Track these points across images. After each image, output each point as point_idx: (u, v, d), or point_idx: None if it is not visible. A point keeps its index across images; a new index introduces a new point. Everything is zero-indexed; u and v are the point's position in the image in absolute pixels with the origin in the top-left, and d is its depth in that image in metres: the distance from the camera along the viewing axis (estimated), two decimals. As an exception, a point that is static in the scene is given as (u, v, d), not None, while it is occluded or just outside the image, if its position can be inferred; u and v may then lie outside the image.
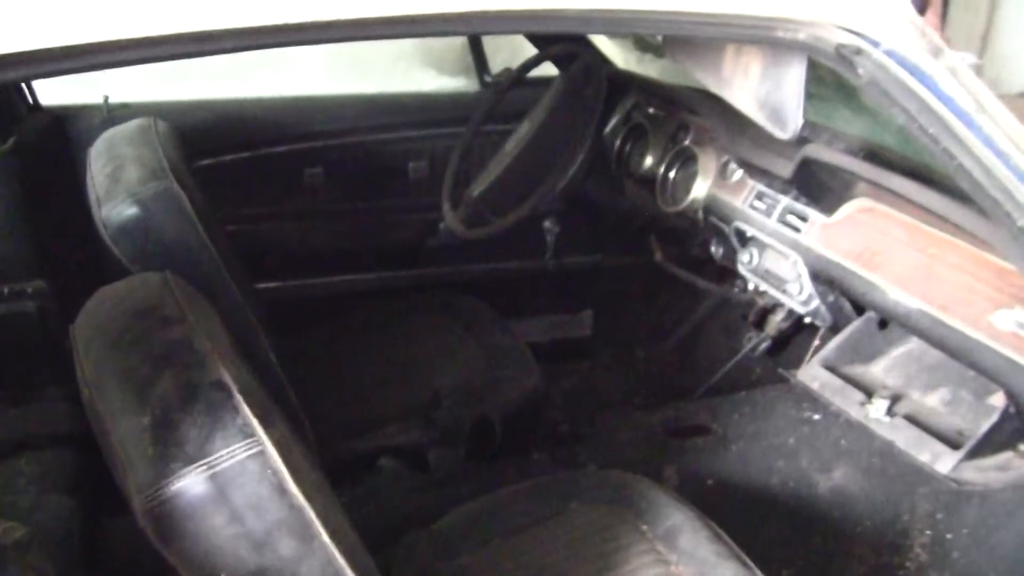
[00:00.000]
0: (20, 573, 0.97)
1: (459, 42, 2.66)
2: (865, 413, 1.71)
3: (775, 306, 2.10)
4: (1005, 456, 1.57)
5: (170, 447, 0.84)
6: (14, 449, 1.64)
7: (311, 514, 0.88)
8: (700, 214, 1.97)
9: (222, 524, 0.84)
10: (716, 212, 1.93)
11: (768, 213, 1.77)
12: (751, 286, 2.01)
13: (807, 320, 1.88)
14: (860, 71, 1.00)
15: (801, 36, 1.00)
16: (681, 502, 1.45)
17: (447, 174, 2.28)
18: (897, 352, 1.80)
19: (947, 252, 1.43)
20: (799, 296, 1.76)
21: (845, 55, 1.00)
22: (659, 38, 1.85)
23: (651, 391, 2.49)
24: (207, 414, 0.86)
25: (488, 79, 2.66)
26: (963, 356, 1.43)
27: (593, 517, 1.44)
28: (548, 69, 2.31)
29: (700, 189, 1.95)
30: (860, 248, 1.57)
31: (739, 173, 1.87)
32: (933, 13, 2.88)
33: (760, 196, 1.81)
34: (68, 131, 2.25)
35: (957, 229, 1.39)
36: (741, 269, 1.91)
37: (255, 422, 0.86)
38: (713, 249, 2.03)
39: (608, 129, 2.30)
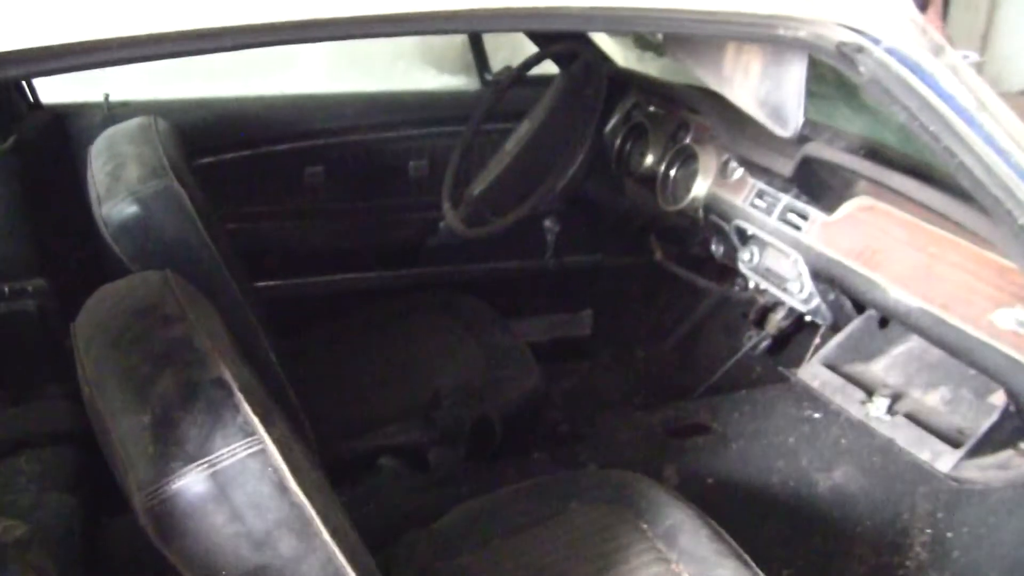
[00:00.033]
0: (21, 571, 0.97)
1: (459, 40, 2.66)
2: (865, 412, 1.71)
3: (776, 304, 2.10)
4: (1005, 454, 1.57)
5: (170, 445, 0.84)
6: (14, 448, 1.64)
7: (311, 513, 0.88)
8: (700, 213, 1.97)
9: (222, 522, 0.84)
10: (717, 211, 1.93)
11: (769, 211, 1.77)
12: (751, 285, 2.01)
13: (808, 319, 1.88)
14: (861, 69, 1.00)
15: (802, 34, 1.00)
16: (681, 501, 1.45)
17: (447, 173, 2.28)
18: (898, 351, 1.80)
19: (948, 250, 1.43)
20: (800, 294, 1.76)
21: (846, 53, 1.00)
22: (659, 36, 1.84)
23: (651, 390, 2.49)
24: (208, 412, 0.85)
25: (488, 77, 2.66)
26: (963, 355, 1.43)
27: (593, 516, 1.44)
28: (548, 68, 2.30)
29: (700, 188, 1.95)
30: (861, 246, 1.57)
31: (740, 171, 1.87)
32: (934, 12, 2.88)
33: (761, 194, 1.81)
34: (69, 129, 2.25)
35: (958, 227, 1.39)
36: (742, 268, 1.91)
37: (256, 420, 0.86)
38: (713, 248, 2.03)
39: (608, 128, 2.30)
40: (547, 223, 2.49)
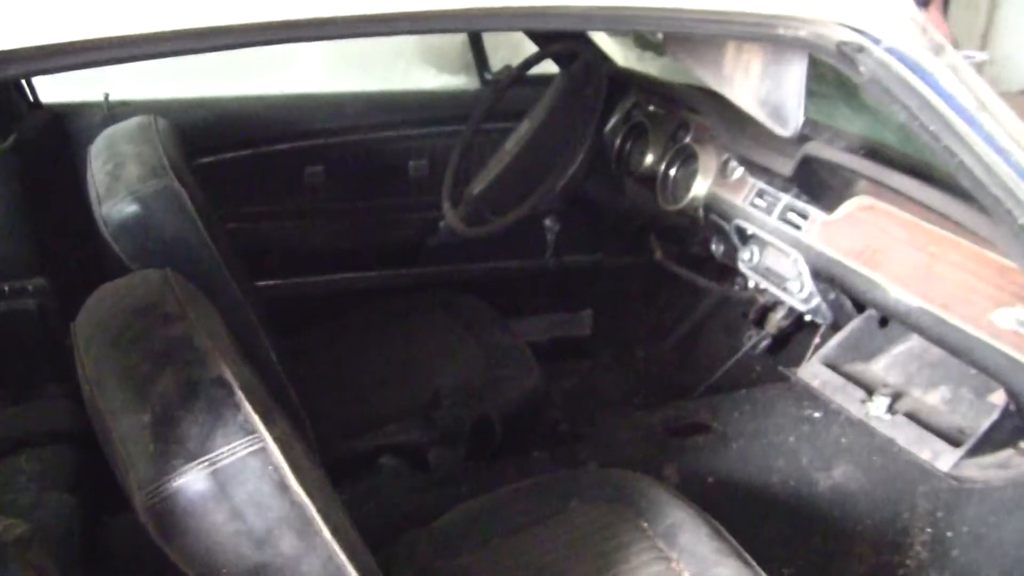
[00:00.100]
0: (21, 570, 0.97)
1: (459, 40, 2.66)
2: (866, 411, 1.71)
3: (776, 304, 2.10)
4: (1005, 454, 1.57)
5: (171, 444, 0.84)
6: (14, 447, 1.63)
7: (312, 511, 0.88)
8: (700, 212, 1.97)
9: (223, 521, 0.84)
10: (717, 210, 1.93)
11: (769, 211, 1.77)
12: (751, 284, 2.01)
13: (808, 318, 1.87)
14: (861, 69, 1.00)
15: (802, 33, 1.00)
16: (681, 500, 1.45)
17: (447, 172, 2.28)
18: (898, 350, 1.80)
19: (948, 250, 1.43)
20: (800, 294, 1.76)
21: (846, 52, 1.00)
22: (659, 36, 1.85)
23: (651, 390, 2.49)
24: (208, 411, 0.85)
25: (488, 77, 2.66)
26: (964, 354, 1.43)
27: (593, 515, 1.44)
28: (548, 67, 2.30)
29: (700, 187, 1.95)
30: (861, 246, 1.57)
31: (740, 171, 1.87)
32: (936, 11, 2.88)
33: (761, 194, 1.81)
34: (68, 129, 2.25)
35: (958, 227, 1.39)
36: (742, 267, 1.91)
37: (256, 419, 0.86)
38: (713, 247, 2.03)
39: (608, 127, 2.30)
40: (547, 222, 2.49)
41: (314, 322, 2.15)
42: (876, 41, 1.01)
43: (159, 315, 0.98)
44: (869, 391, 1.74)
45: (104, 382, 0.93)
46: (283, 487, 0.86)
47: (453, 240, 2.38)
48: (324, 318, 2.18)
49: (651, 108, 2.20)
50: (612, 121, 2.29)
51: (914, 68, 1.01)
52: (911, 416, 1.67)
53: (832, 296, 1.75)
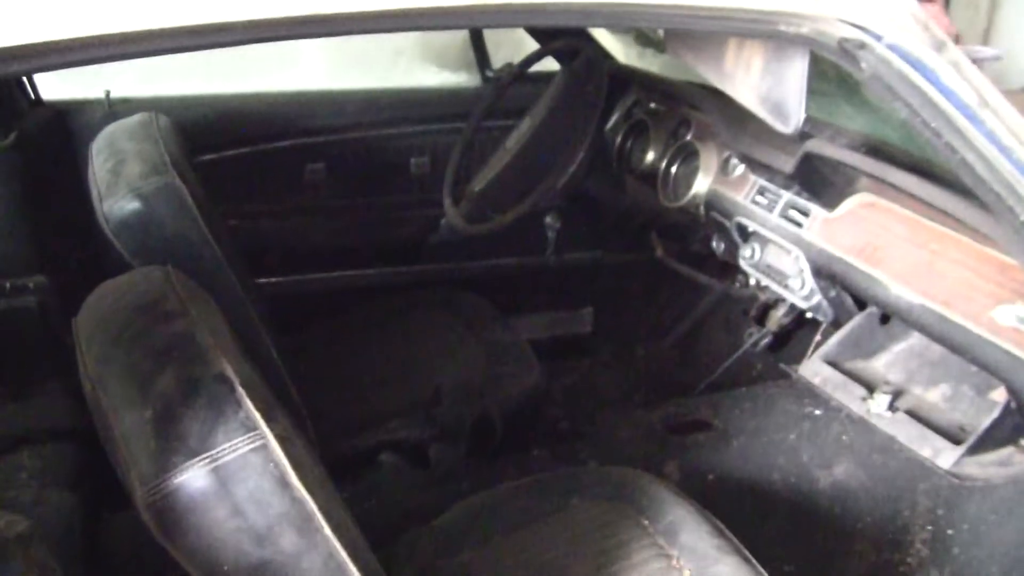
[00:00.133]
0: (22, 566, 0.97)
1: (460, 37, 2.66)
2: (866, 408, 1.71)
3: (776, 301, 2.10)
4: (1006, 451, 1.57)
5: (172, 441, 0.84)
6: (15, 444, 1.64)
7: (313, 508, 0.88)
8: (701, 210, 1.97)
9: (224, 517, 0.84)
10: (718, 207, 1.92)
11: (770, 208, 1.77)
12: (752, 282, 2.01)
13: (808, 315, 1.88)
14: (863, 65, 1.00)
15: (804, 30, 1.00)
16: (682, 498, 1.45)
17: (448, 170, 2.28)
18: (899, 347, 1.80)
19: (949, 247, 1.43)
20: (801, 291, 1.76)
21: (848, 49, 1.00)
22: (660, 32, 1.85)
23: (652, 387, 2.49)
24: (209, 408, 0.85)
25: (489, 74, 2.66)
26: (965, 351, 1.43)
27: (594, 513, 1.44)
28: (549, 64, 2.30)
29: (701, 185, 1.95)
30: (862, 243, 1.57)
31: (741, 168, 1.87)
32: (938, 7, 2.87)
33: (762, 191, 1.81)
34: (70, 126, 2.25)
35: (959, 224, 1.39)
36: (743, 264, 1.91)
37: (257, 416, 0.86)
38: (714, 245, 2.03)
39: (609, 125, 2.29)
40: (548, 220, 2.48)
41: (315, 319, 2.16)
42: (878, 37, 1.01)
43: (160, 312, 0.98)
44: (870, 388, 1.74)
45: (105, 379, 0.93)
46: (284, 484, 0.86)
47: (454, 238, 2.38)
48: (325, 315, 2.18)
49: (652, 105, 2.20)
50: (613, 118, 2.29)
51: (916, 65, 1.01)
52: (912, 414, 1.67)
53: (833, 293, 1.75)
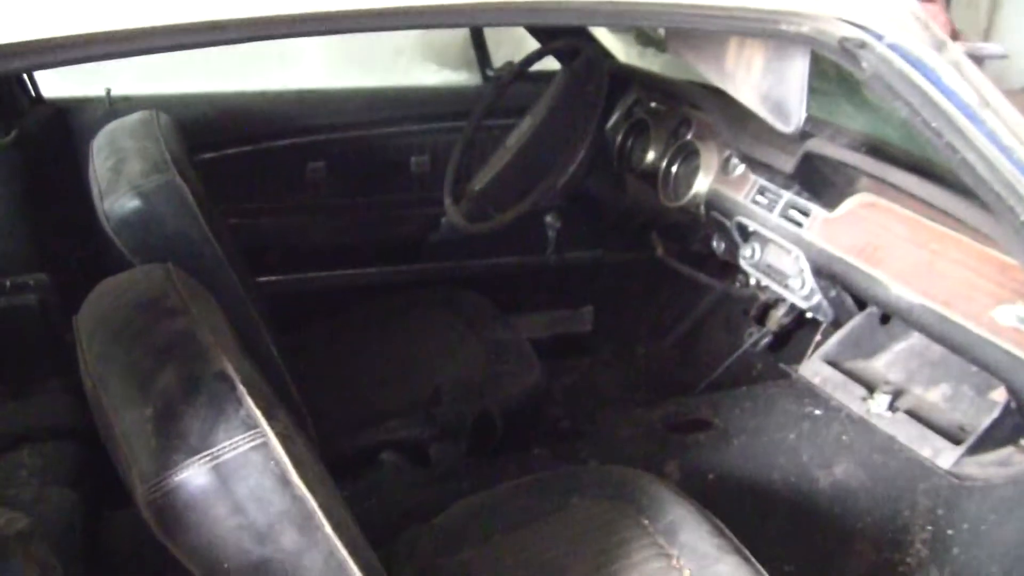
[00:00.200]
0: (23, 564, 0.97)
1: (461, 36, 2.66)
2: (866, 408, 1.71)
3: (777, 301, 2.10)
4: (1006, 451, 1.57)
5: (173, 439, 0.84)
6: (16, 442, 1.63)
7: (314, 506, 0.88)
8: (702, 209, 1.97)
9: (225, 515, 0.84)
10: (718, 207, 1.92)
11: (770, 208, 1.77)
12: (753, 281, 2.01)
13: (809, 315, 1.88)
14: (864, 65, 1.00)
15: (804, 29, 1.00)
16: (682, 497, 1.45)
17: (449, 169, 2.28)
18: (899, 347, 1.80)
19: (949, 247, 1.43)
20: (801, 291, 1.76)
21: (849, 49, 1.00)
22: (661, 32, 1.85)
23: (652, 386, 2.49)
24: (210, 406, 0.85)
25: (490, 73, 2.66)
26: (965, 351, 1.43)
27: (594, 512, 1.44)
28: (550, 64, 2.30)
29: (702, 184, 1.95)
30: (862, 243, 1.57)
31: (741, 168, 1.87)
32: (938, 5, 2.87)
33: (762, 191, 1.81)
34: (70, 124, 2.25)
35: (959, 224, 1.39)
36: (743, 264, 1.91)
37: (258, 414, 0.86)
38: (715, 244, 2.03)
39: (610, 124, 2.29)
40: (548, 219, 2.48)
41: (315, 318, 2.16)
42: (878, 37, 1.01)
43: (161, 310, 0.98)
44: (870, 388, 1.74)
45: (106, 377, 0.93)
46: (285, 482, 0.86)
47: (454, 236, 2.38)
48: (325, 314, 2.18)
49: (653, 105, 2.20)
50: (614, 118, 2.29)
51: (916, 64, 1.01)
52: (912, 413, 1.67)
53: (833, 293, 1.75)
